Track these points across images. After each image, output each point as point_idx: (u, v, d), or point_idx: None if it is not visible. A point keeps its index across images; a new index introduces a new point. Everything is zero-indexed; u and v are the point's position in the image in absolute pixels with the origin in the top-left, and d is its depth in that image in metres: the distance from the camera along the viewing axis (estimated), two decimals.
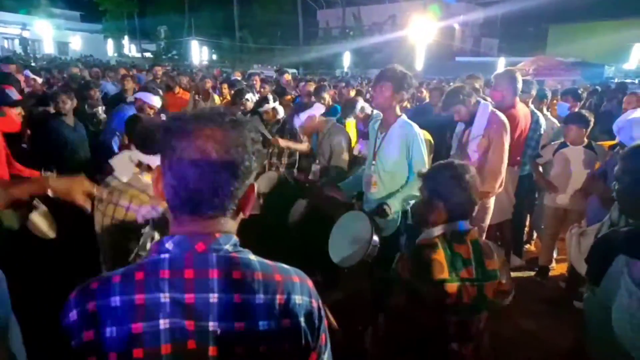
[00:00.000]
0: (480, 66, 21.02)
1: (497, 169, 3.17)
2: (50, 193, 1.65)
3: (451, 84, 10.17)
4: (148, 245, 2.23)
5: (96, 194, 2.21)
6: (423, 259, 1.69)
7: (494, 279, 1.74)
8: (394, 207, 2.74)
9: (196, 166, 0.83)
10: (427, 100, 6.37)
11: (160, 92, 4.85)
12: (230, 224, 0.92)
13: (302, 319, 0.91)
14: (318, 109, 4.10)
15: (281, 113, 4.56)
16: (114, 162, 2.16)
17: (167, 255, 0.87)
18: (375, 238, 2.58)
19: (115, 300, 0.83)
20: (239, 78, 9.53)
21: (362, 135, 4.28)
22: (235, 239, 0.91)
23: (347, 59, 27.86)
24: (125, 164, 2.15)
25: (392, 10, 32.08)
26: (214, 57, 37.57)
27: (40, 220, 2.51)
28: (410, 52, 24.78)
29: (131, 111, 4.25)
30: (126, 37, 41.14)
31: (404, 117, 2.88)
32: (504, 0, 31.79)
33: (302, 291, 0.93)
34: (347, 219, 2.86)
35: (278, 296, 0.89)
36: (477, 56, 29.76)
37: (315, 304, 0.95)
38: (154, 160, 2.16)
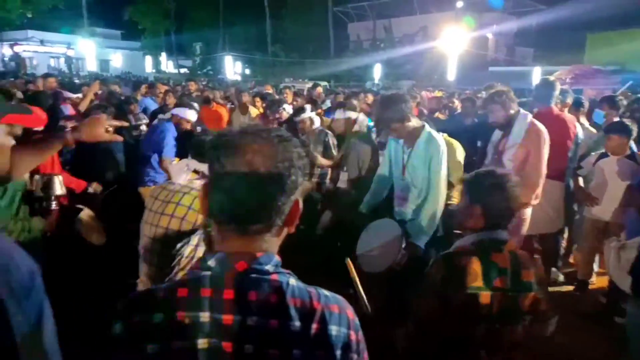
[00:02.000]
0: (515, 76, 20.62)
1: (534, 180, 3.11)
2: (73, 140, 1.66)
3: (483, 93, 10.04)
4: (186, 251, 2.32)
5: (152, 194, 2.38)
6: (457, 265, 1.69)
7: (528, 291, 1.71)
8: (424, 225, 2.75)
9: (243, 180, 0.84)
10: (459, 110, 6.32)
11: (197, 105, 5.04)
12: (273, 242, 0.92)
13: (338, 352, 0.88)
14: (352, 115, 4.19)
15: (317, 123, 4.64)
16: (172, 168, 2.32)
17: (208, 273, 0.87)
18: (404, 244, 2.59)
19: (159, 317, 0.85)
20: (270, 91, 9.71)
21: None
22: (276, 259, 0.91)
23: (377, 71, 27.84)
24: (181, 170, 2.30)
25: (424, 21, 31.95)
26: (247, 71, 38.33)
27: (89, 223, 2.64)
28: (441, 63, 24.57)
29: (169, 126, 4.44)
30: (163, 54, 42.55)
31: (427, 128, 2.87)
32: (538, 9, 31.24)
33: (340, 322, 0.90)
34: (377, 225, 2.87)
35: (314, 325, 0.87)
36: (511, 66, 29.17)
37: (354, 337, 0.92)
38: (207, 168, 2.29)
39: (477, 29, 27.12)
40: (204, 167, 2.29)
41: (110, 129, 1.70)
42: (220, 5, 37.02)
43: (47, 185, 2.50)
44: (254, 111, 6.99)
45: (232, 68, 33.18)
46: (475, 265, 1.67)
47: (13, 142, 1.12)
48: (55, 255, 2.60)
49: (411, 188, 2.89)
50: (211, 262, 0.88)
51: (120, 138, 1.74)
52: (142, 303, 0.88)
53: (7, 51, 29.64)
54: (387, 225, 2.79)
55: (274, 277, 0.88)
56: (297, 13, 35.80)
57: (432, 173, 2.76)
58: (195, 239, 2.34)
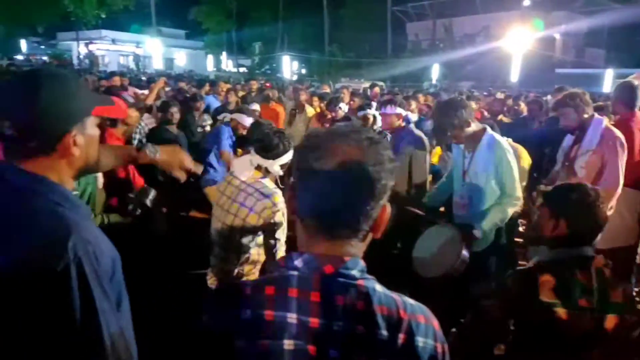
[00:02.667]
0: (584, 78, 19.47)
1: (611, 190, 2.92)
2: (149, 160, 1.71)
3: (549, 97, 9.55)
4: (252, 250, 2.40)
5: (219, 188, 2.47)
6: (537, 282, 1.61)
7: (616, 312, 1.60)
8: (484, 231, 2.66)
9: (332, 184, 0.83)
10: (525, 113, 6.06)
11: (257, 106, 5.18)
12: (360, 247, 0.91)
13: None
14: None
15: (379, 122, 4.63)
16: (236, 162, 2.39)
17: (295, 273, 0.87)
18: (465, 253, 2.52)
19: (247, 313, 0.85)
20: (328, 91, 9.76)
21: None
22: (362, 264, 0.89)
23: (435, 72, 27.27)
24: (244, 165, 2.36)
25: (486, 21, 30.88)
26: (303, 71, 38.79)
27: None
28: (504, 64, 23.69)
29: (225, 128, 4.66)
30: (224, 53, 43.92)
31: (489, 131, 2.77)
32: (611, 8, 29.30)
33: (426, 333, 0.88)
34: (436, 230, 2.82)
35: (401, 335, 0.85)
36: (580, 68, 27.61)
37: (440, 349, 0.90)
38: (272, 165, 2.35)
39: (543, 29, 25.85)
40: (267, 164, 2.35)
41: (188, 166, 1.78)
42: (279, 5, 37.64)
43: (143, 193, 2.73)
44: (310, 110, 7.05)
45: (290, 67, 33.68)
46: (558, 283, 1.59)
47: (98, 132, 1.18)
48: (127, 247, 2.77)
49: (472, 194, 2.80)
50: (298, 262, 0.87)
51: (199, 171, 1.81)
52: (231, 298, 0.89)
53: (82, 49, 31.75)
54: (446, 231, 2.72)
55: (361, 282, 0.86)
56: (355, 12, 35.69)
57: (501, 177, 2.66)
58: (259, 240, 2.41)
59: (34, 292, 0.95)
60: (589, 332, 1.59)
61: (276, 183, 2.52)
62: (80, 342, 0.97)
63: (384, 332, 0.84)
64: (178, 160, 1.77)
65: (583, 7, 31.17)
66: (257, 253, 2.43)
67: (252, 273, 2.46)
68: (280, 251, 2.37)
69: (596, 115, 3.11)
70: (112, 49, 36.39)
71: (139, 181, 3.30)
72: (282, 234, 2.36)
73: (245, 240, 2.34)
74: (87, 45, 31.97)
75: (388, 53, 34.03)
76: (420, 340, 0.86)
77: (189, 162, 1.80)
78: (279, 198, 2.30)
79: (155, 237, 3.17)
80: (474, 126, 2.73)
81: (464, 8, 32.44)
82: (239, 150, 4.63)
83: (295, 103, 7.34)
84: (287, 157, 2.40)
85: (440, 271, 2.56)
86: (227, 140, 4.52)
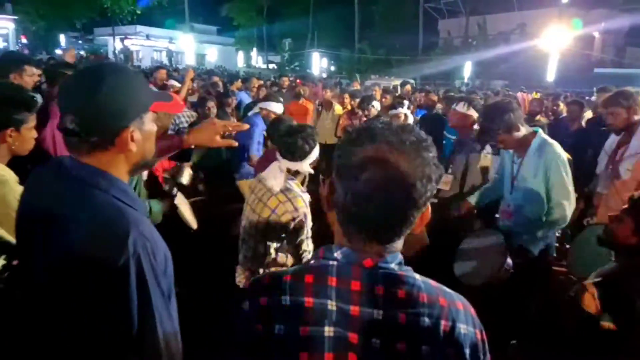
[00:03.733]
0: (624, 78, 18.69)
1: None
2: (191, 145, 1.74)
3: (587, 98, 9.22)
4: (278, 252, 2.38)
5: (250, 186, 2.46)
6: (605, 293, 1.54)
7: None
8: (532, 241, 2.57)
9: (378, 196, 0.81)
10: (565, 114, 5.85)
11: (281, 99, 5.19)
12: (399, 243, 0.91)
13: (467, 350, 0.86)
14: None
15: (410, 119, 4.56)
16: (265, 174, 2.37)
17: (334, 262, 0.88)
18: (509, 262, 2.43)
19: (286, 300, 0.86)
20: (358, 88, 9.68)
21: None
22: (400, 257, 0.90)
23: (468, 70, 26.73)
24: (275, 174, 2.33)
25: (522, 18, 30.06)
26: (332, 68, 38.67)
27: (185, 209, 2.79)
28: (540, 63, 23.01)
29: (258, 120, 4.64)
30: (254, 49, 44.25)
31: (541, 134, 2.65)
32: None
33: (466, 320, 0.88)
34: (479, 235, 2.74)
35: (442, 322, 0.85)
36: (621, 67, 26.55)
37: (479, 336, 0.89)
38: (301, 166, 2.34)
39: (583, 26, 24.95)
40: (296, 166, 2.34)
41: (227, 131, 1.74)
42: (310, 2, 37.62)
43: (177, 172, 2.66)
44: (338, 108, 7.02)
45: (319, 64, 33.64)
46: (629, 296, 1.51)
47: (155, 128, 1.19)
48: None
49: (520, 202, 2.69)
50: (337, 254, 0.88)
51: (235, 143, 1.78)
52: (271, 285, 0.90)
53: (118, 45, 32.53)
54: (491, 238, 2.63)
55: (400, 273, 0.87)
56: (386, 9, 35.35)
57: (554, 182, 2.54)
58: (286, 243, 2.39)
59: (94, 285, 0.97)
60: None
61: (303, 182, 2.51)
62: (136, 337, 1.00)
63: (427, 320, 0.84)
64: (213, 131, 1.72)
65: (625, 4, 29.88)
66: (284, 256, 2.41)
67: None
68: (307, 253, 2.36)
69: None
70: (146, 44, 37.18)
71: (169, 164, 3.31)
72: (304, 237, 2.35)
73: (269, 241, 2.33)
74: (122, 40, 32.74)
75: (419, 50, 33.57)
76: (462, 327, 0.86)
77: (223, 126, 1.75)
78: (302, 202, 2.29)
79: (187, 231, 3.19)
80: (524, 130, 2.61)
81: (498, 5, 31.65)
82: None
83: (323, 100, 7.33)
84: (315, 154, 2.39)
85: (482, 279, 2.48)
86: (256, 142, 4.52)
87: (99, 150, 1.07)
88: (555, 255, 2.95)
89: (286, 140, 2.32)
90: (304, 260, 2.33)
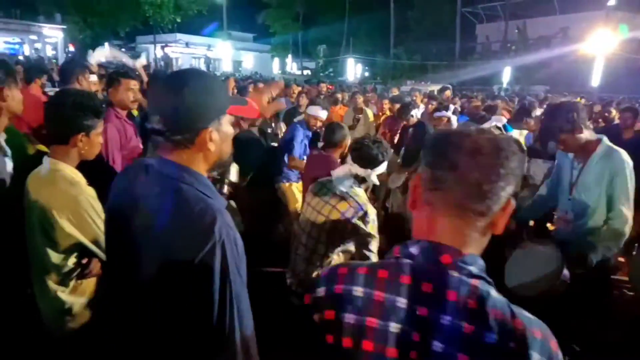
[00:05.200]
0: None
1: None
2: None
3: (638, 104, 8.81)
4: (334, 256, 2.39)
5: (310, 188, 2.51)
6: None
7: None
8: (594, 255, 2.47)
9: (467, 162, 0.86)
10: (617, 121, 5.62)
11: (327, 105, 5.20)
12: (479, 242, 0.91)
13: None
14: (499, 121, 4.00)
15: (454, 123, 4.52)
16: (336, 172, 2.42)
17: (409, 261, 0.89)
18: (566, 273, 2.34)
19: (358, 291, 0.90)
20: (397, 94, 9.62)
21: None
22: (481, 262, 0.89)
23: (507, 75, 26.10)
24: (344, 174, 2.38)
25: (564, 22, 29.15)
26: (366, 74, 38.61)
27: (233, 209, 2.84)
28: (583, 68, 22.21)
29: (298, 126, 4.68)
30: (290, 56, 44.75)
31: (606, 141, 2.55)
32: None
33: (542, 350, 0.81)
34: (535, 246, 2.65)
35: (512, 343, 0.80)
36: None
37: None
38: (370, 175, 2.38)
39: (630, 30, 23.93)
40: (366, 173, 2.37)
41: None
42: (346, 8, 37.74)
43: (225, 170, 2.71)
44: (370, 113, 6.97)
45: (354, 70, 33.67)
46: None
47: (232, 130, 1.27)
48: None
49: (580, 210, 2.59)
50: (414, 250, 0.89)
51: (282, 104, 1.89)
52: (346, 275, 0.94)
53: (159, 52, 33.59)
54: (545, 246, 2.55)
55: (475, 282, 0.85)
56: (423, 14, 35.06)
57: (618, 191, 2.44)
58: (347, 247, 2.40)
59: (183, 269, 1.05)
60: None
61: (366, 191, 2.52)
62: (215, 320, 1.07)
63: (494, 336, 0.81)
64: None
65: None
66: (343, 260, 2.42)
67: None
68: (372, 254, 2.36)
69: None
70: (185, 51, 38.22)
71: None
72: (375, 246, 2.36)
73: (332, 243, 2.35)
74: (162, 48, 33.79)
75: (456, 56, 33.06)
76: (534, 355, 0.80)
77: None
78: (372, 210, 2.34)
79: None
80: (588, 134, 2.51)
81: (539, 8, 30.82)
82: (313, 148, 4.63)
83: (354, 106, 7.29)
84: (383, 167, 2.43)
85: (535, 291, 2.40)
86: (298, 145, 4.55)
87: (181, 148, 1.16)
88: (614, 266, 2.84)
89: (362, 146, 2.38)
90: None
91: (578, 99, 10.17)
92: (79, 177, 1.88)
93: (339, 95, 8.06)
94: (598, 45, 20.59)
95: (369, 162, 2.34)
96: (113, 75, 3.26)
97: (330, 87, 13.24)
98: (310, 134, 4.62)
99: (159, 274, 1.08)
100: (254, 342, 1.16)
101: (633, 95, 15.24)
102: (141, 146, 3.24)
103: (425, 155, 0.92)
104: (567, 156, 2.69)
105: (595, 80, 20.94)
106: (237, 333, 1.10)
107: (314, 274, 2.41)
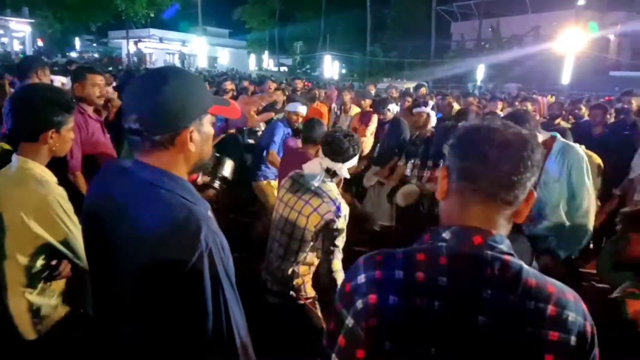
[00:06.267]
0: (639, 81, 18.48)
1: None
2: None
3: (601, 101, 9.07)
4: (309, 251, 2.37)
5: (283, 184, 2.48)
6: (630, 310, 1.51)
7: None
8: (561, 249, 2.53)
9: (497, 154, 0.91)
10: (586, 118, 5.77)
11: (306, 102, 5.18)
12: (506, 227, 0.97)
13: (573, 337, 0.87)
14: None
15: (433, 122, 4.54)
16: (307, 166, 2.37)
17: (444, 244, 0.93)
18: (535, 265, 2.41)
19: (399, 274, 0.93)
20: (374, 91, 9.66)
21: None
22: (508, 242, 0.94)
23: (481, 73, 26.54)
24: (315, 168, 2.34)
25: (536, 21, 29.77)
26: (343, 70, 38.68)
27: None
28: (554, 66, 22.77)
29: (279, 124, 4.64)
30: (266, 52, 44.46)
31: (560, 138, 2.63)
32: None
33: (576, 310, 0.90)
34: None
35: (550, 307, 0.88)
36: (636, 71, 26.21)
37: (589, 328, 0.90)
38: (341, 168, 2.34)
39: (598, 30, 24.65)
40: (336, 167, 2.33)
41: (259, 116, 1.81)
42: (322, 5, 37.69)
43: (218, 163, 2.61)
44: (355, 110, 7.01)
45: (331, 67, 33.67)
46: None
47: (213, 131, 1.22)
48: None
49: (542, 206, 2.66)
50: (446, 235, 0.94)
51: (271, 114, 1.84)
52: (384, 261, 0.96)
53: (131, 48, 32.90)
54: (515, 241, 2.60)
55: (507, 257, 0.91)
56: (399, 12, 35.31)
57: (576, 185, 2.52)
58: (318, 243, 2.39)
59: (171, 282, 1.01)
60: None
61: (338, 185, 2.50)
62: (212, 328, 1.04)
63: (533, 302, 0.87)
64: (248, 109, 1.79)
65: None
66: (314, 255, 2.42)
67: (307, 273, 2.46)
68: (337, 258, 2.35)
69: None
70: (159, 47, 37.55)
71: None
72: (341, 241, 2.35)
73: (305, 240, 2.34)
74: (136, 43, 33.10)
75: (431, 53, 33.43)
76: (570, 314, 0.88)
77: (257, 99, 1.82)
78: (344, 206, 2.31)
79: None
80: (541, 137, 2.59)
81: (512, 7, 31.43)
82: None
83: (340, 103, 7.32)
84: (355, 161, 2.39)
85: None
86: (279, 142, 4.52)
87: (160, 149, 1.10)
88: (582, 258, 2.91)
89: (333, 139, 2.33)
90: (335, 259, 2.33)
91: (549, 97, 10.40)
92: (49, 176, 1.82)
93: (316, 92, 8.03)
94: (568, 44, 21.15)
95: (340, 155, 2.30)
96: (78, 70, 3.18)
97: (308, 84, 13.20)
98: (290, 131, 4.60)
99: (147, 288, 1.03)
100: (250, 345, 1.14)
101: (601, 92, 15.71)
102: (109, 144, 3.16)
103: (453, 147, 0.98)
104: None
105: (566, 78, 21.51)
106: (236, 339, 1.08)
107: (289, 271, 2.39)
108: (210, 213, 1.14)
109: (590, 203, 2.55)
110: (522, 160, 0.91)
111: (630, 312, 1.54)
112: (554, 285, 0.92)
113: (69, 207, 1.76)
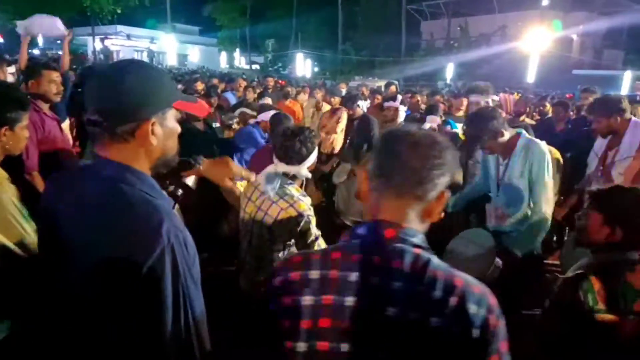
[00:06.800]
0: (601, 80, 19.18)
1: None
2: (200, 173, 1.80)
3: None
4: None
5: (244, 191, 2.38)
6: (591, 286, 1.56)
7: None
8: (523, 244, 2.59)
9: (405, 152, 0.98)
10: (550, 114, 5.95)
11: (269, 100, 5.16)
12: (418, 222, 1.01)
13: (475, 330, 0.90)
14: (433, 121, 4.08)
15: (401, 117, 4.59)
16: (260, 178, 2.25)
17: (358, 241, 0.98)
18: (499, 260, 2.46)
19: (314, 273, 0.97)
20: (344, 90, 9.71)
21: None
22: (422, 236, 1.00)
23: (450, 71, 27.03)
24: (269, 178, 2.20)
25: (503, 20, 30.49)
26: (315, 69, 38.69)
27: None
28: (520, 65, 23.40)
29: (256, 131, 4.57)
30: (237, 50, 43.98)
31: (525, 135, 2.67)
32: (632, 9, 28.79)
33: (479, 302, 0.93)
34: (469, 234, 2.75)
35: (453, 298, 0.91)
36: (598, 69, 27.20)
37: (492, 321, 0.93)
38: (298, 170, 2.23)
39: (562, 29, 25.47)
40: (293, 170, 2.22)
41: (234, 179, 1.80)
42: (294, 3, 37.58)
43: (184, 168, 2.55)
44: (326, 108, 7.04)
45: (303, 65, 33.63)
46: (610, 287, 1.55)
47: (178, 128, 1.18)
48: None
49: (508, 203, 2.71)
50: (361, 231, 1.00)
51: (237, 191, 1.86)
52: (301, 262, 1.00)
53: (97, 45, 31.98)
54: (480, 236, 2.65)
55: (417, 250, 0.96)
56: (369, 11, 35.52)
57: (535, 179, 2.56)
58: (293, 249, 2.31)
59: (131, 278, 0.98)
60: None
61: (301, 186, 2.40)
62: (171, 324, 1.02)
63: (438, 293, 0.91)
64: (226, 172, 1.82)
65: (603, 7, 30.65)
66: None
67: None
68: None
69: (634, 118, 3.02)
70: (127, 44, 36.59)
71: None
72: (314, 239, 2.23)
73: (276, 248, 2.24)
74: (102, 40, 32.18)
75: (402, 52, 33.81)
76: (472, 307, 0.91)
77: (238, 172, 1.83)
78: (305, 205, 2.18)
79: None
80: (507, 134, 2.63)
81: (480, 7, 32.08)
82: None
83: (313, 101, 7.34)
84: (313, 157, 2.26)
85: (473, 276, 2.50)
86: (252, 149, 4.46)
87: (121, 142, 1.07)
88: (543, 252, 2.99)
89: (283, 142, 2.19)
90: None
91: (514, 94, 10.66)
92: (1, 175, 1.74)
93: (289, 90, 8.01)
94: (533, 43, 21.75)
95: (294, 158, 2.18)
96: (33, 66, 3.04)
97: (282, 82, 13.14)
98: (266, 136, 4.54)
99: (105, 285, 1.00)
100: (209, 346, 1.12)
101: (565, 90, 16.25)
102: (68, 142, 3.05)
103: (374, 149, 1.05)
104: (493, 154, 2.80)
105: (531, 76, 22.12)
106: (194, 339, 1.06)
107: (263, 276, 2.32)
108: (175, 210, 1.12)
109: (546, 199, 2.59)
110: (430, 158, 0.97)
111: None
112: (462, 278, 0.96)
113: (22, 206, 1.70)
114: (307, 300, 0.95)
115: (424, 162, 0.97)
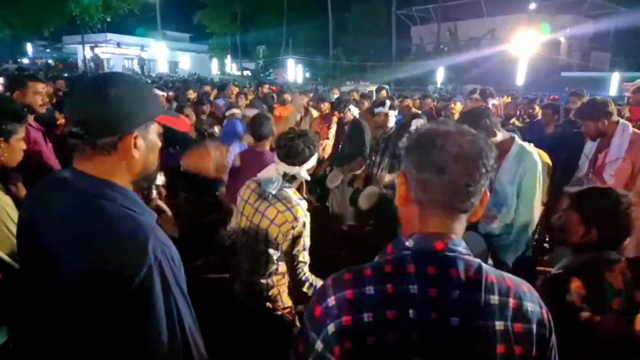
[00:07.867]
0: (589, 82, 19.42)
1: None
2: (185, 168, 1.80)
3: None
4: (279, 261, 2.30)
5: (241, 194, 2.38)
6: (570, 286, 1.58)
7: None
8: (515, 247, 2.61)
9: (455, 168, 0.92)
10: (539, 117, 6.00)
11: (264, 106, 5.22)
12: (463, 228, 0.99)
13: (534, 326, 0.93)
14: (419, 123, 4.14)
15: (392, 122, 4.62)
16: (262, 174, 2.25)
17: (409, 252, 0.95)
18: (490, 263, 2.48)
19: (370, 289, 0.92)
20: (337, 95, 9.74)
21: None
22: (465, 244, 0.97)
23: (440, 75, 27.22)
24: (271, 174, 2.23)
25: (492, 24, 30.81)
26: (307, 74, 38.78)
27: (166, 215, 2.71)
28: (510, 67, 23.62)
29: (238, 122, 4.72)
30: (228, 57, 44.00)
31: (518, 140, 2.67)
32: (618, 11, 29.24)
33: (532, 299, 0.96)
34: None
35: (511, 300, 0.93)
36: (586, 71, 27.54)
37: (545, 315, 0.96)
38: (299, 172, 2.24)
39: (550, 32, 25.76)
40: (294, 170, 2.22)
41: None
42: (284, 9, 37.69)
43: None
44: (314, 113, 7.08)
45: (294, 71, 33.70)
46: (590, 286, 1.57)
47: (160, 142, 1.17)
48: None
49: (498, 206, 2.72)
50: (409, 243, 0.96)
51: (224, 178, 1.85)
52: (353, 279, 0.95)
53: (87, 53, 31.84)
54: (471, 240, 2.67)
55: (467, 257, 0.94)
56: (359, 16, 35.71)
57: (525, 189, 2.56)
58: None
59: (118, 300, 0.95)
60: (625, 335, 1.55)
61: (299, 190, 2.40)
62: (166, 337, 1.00)
63: (497, 297, 0.92)
64: (207, 161, 1.81)
65: (589, 10, 31.09)
66: (282, 264, 2.30)
67: (282, 283, 2.33)
68: (303, 265, 2.24)
69: (622, 120, 3.06)
70: (117, 52, 36.49)
71: None
72: (302, 248, 2.23)
73: (271, 251, 2.23)
74: (92, 48, 32.04)
75: (392, 57, 34.01)
76: (529, 305, 0.94)
77: (220, 159, 1.82)
78: (301, 211, 2.17)
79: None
80: (501, 135, 2.61)
81: (469, 11, 32.41)
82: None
83: (298, 107, 7.34)
84: (313, 161, 2.27)
85: None
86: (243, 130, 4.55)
87: (101, 155, 1.05)
88: (535, 254, 3.01)
89: (286, 142, 2.20)
90: (299, 271, 2.23)
91: (505, 97, 10.76)
92: None
93: (287, 95, 8.03)
94: (522, 46, 21.97)
95: (296, 158, 2.19)
96: (18, 77, 3.00)
97: (275, 88, 13.16)
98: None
99: (91, 308, 0.96)
100: (205, 354, 1.12)
101: (554, 92, 16.40)
102: (52, 154, 3.01)
103: (409, 154, 0.99)
104: None
105: (520, 79, 22.31)
106: (193, 350, 1.05)
107: (263, 283, 2.28)
108: (157, 223, 1.10)
109: (533, 207, 2.60)
110: (478, 169, 0.93)
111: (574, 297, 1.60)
112: (510, 278, 0.97)
113: (16, 216, 1.69)
114: (368, 317, 0.90)
115: (471, 178, 0.93)
